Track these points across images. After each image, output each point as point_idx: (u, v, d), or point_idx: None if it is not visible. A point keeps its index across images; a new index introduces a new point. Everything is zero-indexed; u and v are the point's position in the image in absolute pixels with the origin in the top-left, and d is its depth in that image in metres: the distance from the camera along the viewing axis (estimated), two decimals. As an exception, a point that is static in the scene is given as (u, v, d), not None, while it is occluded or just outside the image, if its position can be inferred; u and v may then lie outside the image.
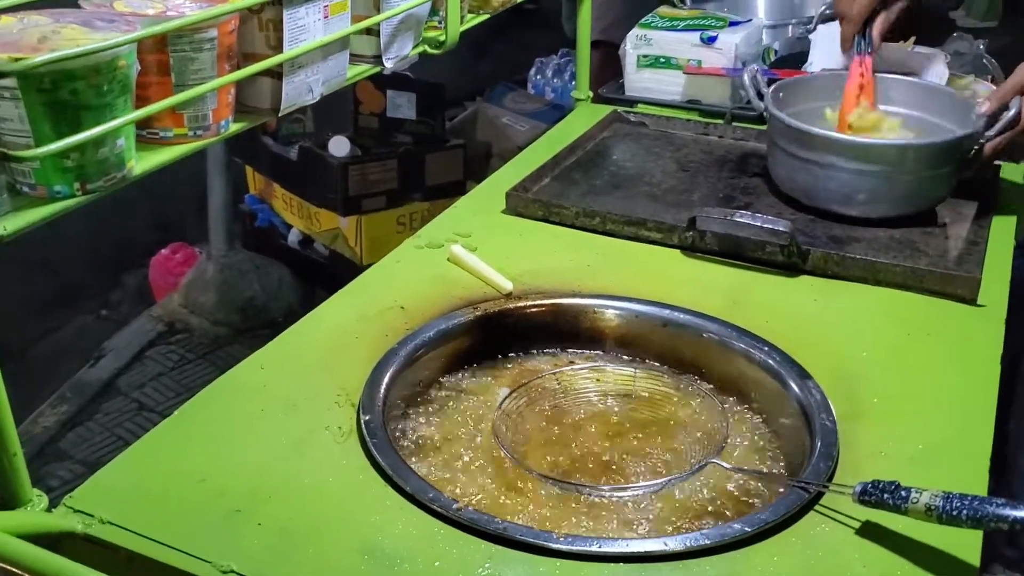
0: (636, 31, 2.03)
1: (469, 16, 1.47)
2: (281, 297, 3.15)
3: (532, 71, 4.02)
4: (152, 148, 0.99)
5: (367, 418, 1.05)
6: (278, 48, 1.06)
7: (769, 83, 2.02)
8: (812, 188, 1.54)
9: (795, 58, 2.03)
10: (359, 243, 3.05)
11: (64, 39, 0.84)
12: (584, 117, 1.96)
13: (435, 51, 1.38)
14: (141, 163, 0.96)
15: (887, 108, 1.66)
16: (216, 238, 3.19)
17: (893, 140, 1.56)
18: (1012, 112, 1.45)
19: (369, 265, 1.46)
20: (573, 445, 1.11)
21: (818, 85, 1.73)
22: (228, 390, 1.14)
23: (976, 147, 1.48)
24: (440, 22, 1.38)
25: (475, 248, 1.44)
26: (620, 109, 1.97)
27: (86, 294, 3.19)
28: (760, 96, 1.65)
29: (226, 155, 3.11)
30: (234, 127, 1.07)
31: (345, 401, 1.10)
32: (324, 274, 3.14)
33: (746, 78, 1.67)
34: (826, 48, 1.92)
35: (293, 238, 3.29)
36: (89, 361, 2.94)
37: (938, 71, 1.77)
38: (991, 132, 1.46)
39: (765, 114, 1.61)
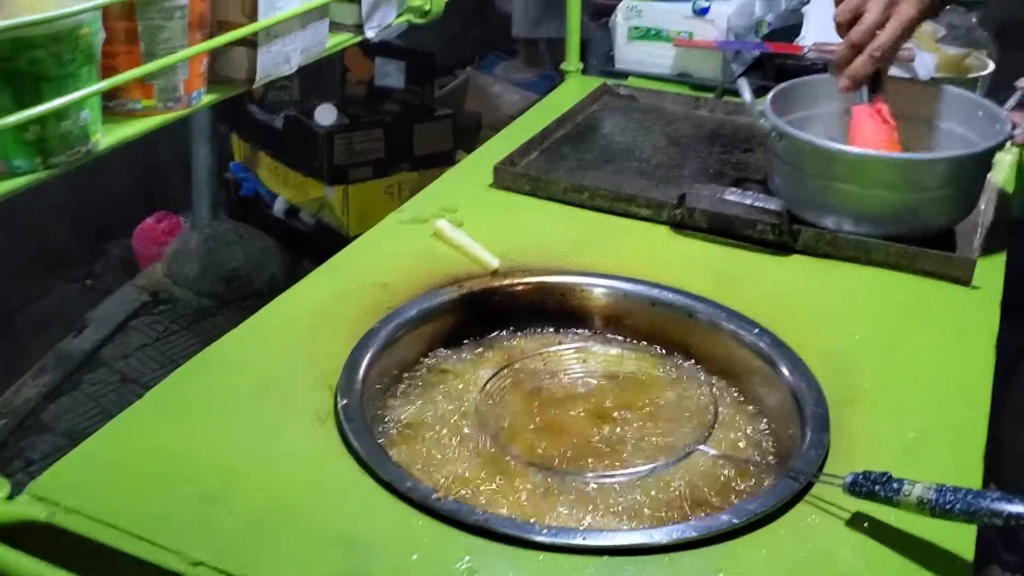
0: (627, 2, 1.98)
1: (455, -15, 1.42)
2: (266, 268, 3.11)
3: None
4: (120, 120, 0.95)
5: (344, 402, 1.02)
6: (253, 16, 1.02)
7: (760, 59, 1.97)
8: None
9: (789, 31, 1.99)
10: (346, 213, 3.01)
11: (22, 5, 0.80)
12: (573, 89, 1.92)
13: (420, 20, 1.34)
14: (108, 136, 0.92)
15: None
16: (200, 207, 3.14)
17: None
18: None
19: (356, 236, 1.42)
20: (558, 429, 1.08)
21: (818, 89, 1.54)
22: (201, 371, 1.10)
23: None
24: (425, -10, 1.34)
25: (461, 223, 1.40)
26: (610, 82, 1.93)
27: (70, 262, 3.15)
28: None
29: (211, 123, 3.06)
30: (207, 98, 1.03)
31: (323, 383, 1.07)
32: (310, 244, 3.10)
33: (746, 95, 1.45)
34: (820, 21, 1.89)
35: (279, 207, 3.24)
36: (72, 331, 2.90)
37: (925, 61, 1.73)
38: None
39: (773, 133, 1.40)
